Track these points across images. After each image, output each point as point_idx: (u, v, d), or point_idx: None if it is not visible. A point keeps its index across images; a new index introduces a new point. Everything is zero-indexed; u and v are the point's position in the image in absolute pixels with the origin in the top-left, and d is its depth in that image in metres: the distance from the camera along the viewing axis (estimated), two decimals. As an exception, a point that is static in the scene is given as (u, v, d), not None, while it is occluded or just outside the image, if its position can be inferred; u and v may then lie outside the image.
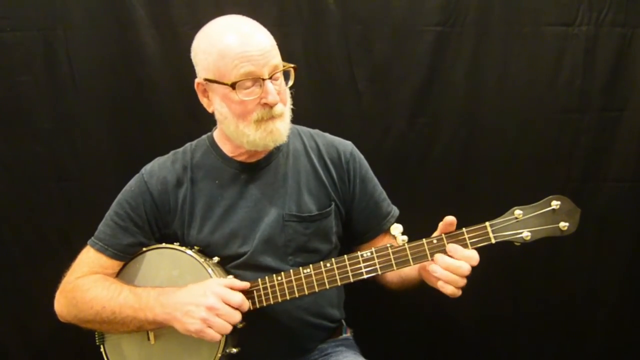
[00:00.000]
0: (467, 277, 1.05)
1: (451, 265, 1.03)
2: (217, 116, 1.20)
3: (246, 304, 1.12)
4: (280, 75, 1.17)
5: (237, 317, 1.09)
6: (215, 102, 1.18)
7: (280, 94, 1.15)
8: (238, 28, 1.14)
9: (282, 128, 1.17)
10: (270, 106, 1.13)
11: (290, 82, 1.19)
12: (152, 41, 1.58)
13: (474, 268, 1.04)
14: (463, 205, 1.65)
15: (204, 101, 1.22)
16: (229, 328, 1.08)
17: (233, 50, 1.10)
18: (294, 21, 1.59)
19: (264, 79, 1.11)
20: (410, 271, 1.19)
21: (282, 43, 1.23)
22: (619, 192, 1.67)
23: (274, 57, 1.14)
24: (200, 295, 1.09)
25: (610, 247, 1.71)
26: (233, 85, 1.11)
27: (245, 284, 1.14)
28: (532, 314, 1.76)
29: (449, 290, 1.05)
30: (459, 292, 1.06)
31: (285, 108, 1.18)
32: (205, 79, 1.16)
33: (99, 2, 1.56)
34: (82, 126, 1.63)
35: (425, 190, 1.69)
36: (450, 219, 1.05)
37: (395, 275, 1.26)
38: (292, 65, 1.18)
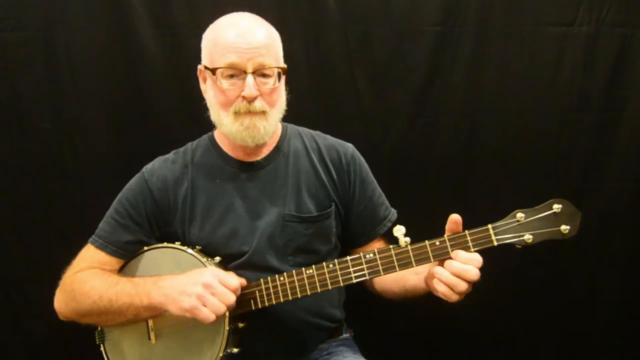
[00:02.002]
0: (474, 284, 1.04)
1: (457, 268, 1.01)
2: (207, 102, 1.23)
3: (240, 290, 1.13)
4: (272, 76, 1.16)
5: (232, 298, 1.09)
6: (207, 88, 1.21)
7: (265, 94, 1.16)
8: (238, 21, 1.17)
9: (261, 126, 1.17)
10: (248, 100, 1.14)
11: (276, 84, 1.17)
12: (152, 41, 1.58)
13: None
14: (463, 205, 1.64)
15: (202, 87, 1.24)
16: (223, 308, 1.07)
17: (224, 39, 1.14)
18: (294, 21, 1.58)
19: (246, 72, 1.12)
20: (417, 283, 1.17)
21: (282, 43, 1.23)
22: (619, 192, 1.67)
23: (264, 55, 1.14)
24: (197, 275, 1.10)
25: (610, 247, 1.71)
26: (213, 71, 1.14)
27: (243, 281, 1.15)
28: (532, 314, 1.76)
29: (455, 298, 1.03)
30: (461, 297, 1.04)
31: (269, 108, 1.17)
32: (204, 65, 1.19)
33: (99, 2, 1.56)
34: (82, 126, 1.63)
35: (425, 190, 1.69)
36: (455, 217, 1.04)
37: (399, 287, 1.25)
38: (281, 66, 1.18)
